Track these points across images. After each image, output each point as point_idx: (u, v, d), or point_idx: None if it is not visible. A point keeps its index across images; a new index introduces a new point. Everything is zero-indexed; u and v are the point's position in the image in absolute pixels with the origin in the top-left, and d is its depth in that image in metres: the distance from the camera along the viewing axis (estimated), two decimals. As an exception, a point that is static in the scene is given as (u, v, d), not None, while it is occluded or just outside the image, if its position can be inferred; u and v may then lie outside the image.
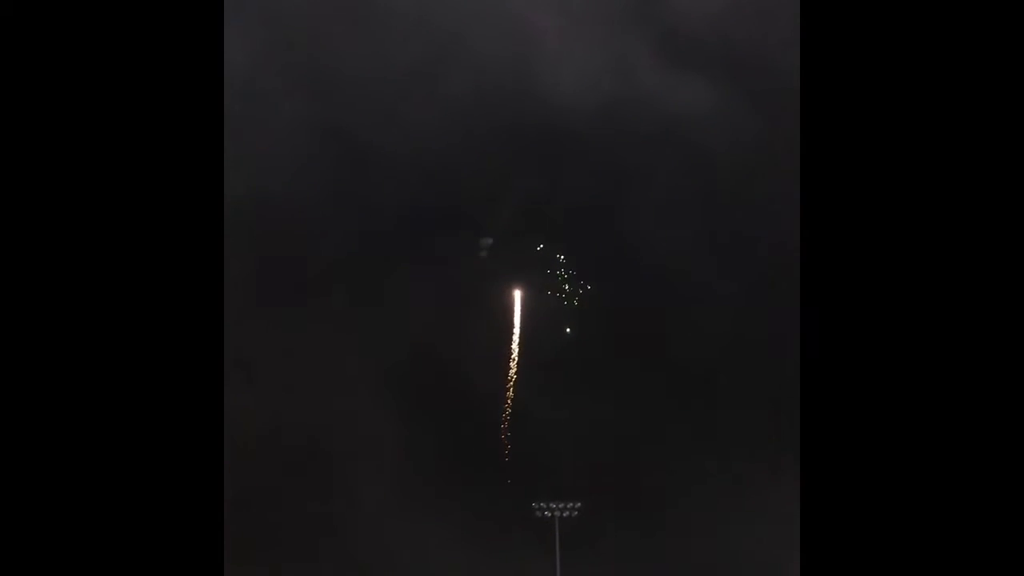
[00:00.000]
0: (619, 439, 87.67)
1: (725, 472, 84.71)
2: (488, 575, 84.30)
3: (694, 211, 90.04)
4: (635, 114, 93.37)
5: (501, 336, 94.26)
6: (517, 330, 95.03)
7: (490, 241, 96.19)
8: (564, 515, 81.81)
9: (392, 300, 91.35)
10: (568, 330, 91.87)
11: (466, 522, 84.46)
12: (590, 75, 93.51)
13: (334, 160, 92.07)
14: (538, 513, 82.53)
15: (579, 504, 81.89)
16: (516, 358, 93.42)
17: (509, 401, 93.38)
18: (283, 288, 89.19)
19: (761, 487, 79.04)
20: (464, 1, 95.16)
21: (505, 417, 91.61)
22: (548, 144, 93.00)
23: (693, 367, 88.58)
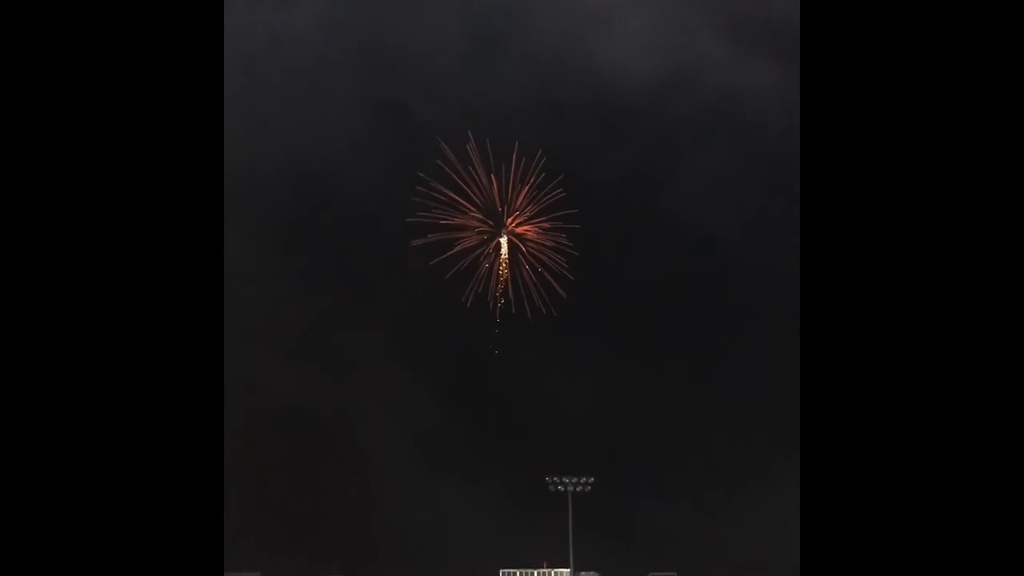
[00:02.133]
0: (632, 415, 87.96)
1: (738, 450, 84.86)
2: (502, 548, 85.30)
3: (743, 186, 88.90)
4: (691, 89, 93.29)
5: (516, 310, 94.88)
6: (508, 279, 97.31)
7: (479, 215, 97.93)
8: (577, 489, 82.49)
9: (412, 275, 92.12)
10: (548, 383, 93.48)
11: (481, 497, 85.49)
12: (647, 50, 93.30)
13: (385, 133, 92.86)
14: (551, 487, 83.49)
15: (592, 479, 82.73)
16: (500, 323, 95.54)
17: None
18: (298, 259, 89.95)
19: (773, 464, 79.04)
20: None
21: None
22: (602, 117, 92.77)
23: (714, 345, 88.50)
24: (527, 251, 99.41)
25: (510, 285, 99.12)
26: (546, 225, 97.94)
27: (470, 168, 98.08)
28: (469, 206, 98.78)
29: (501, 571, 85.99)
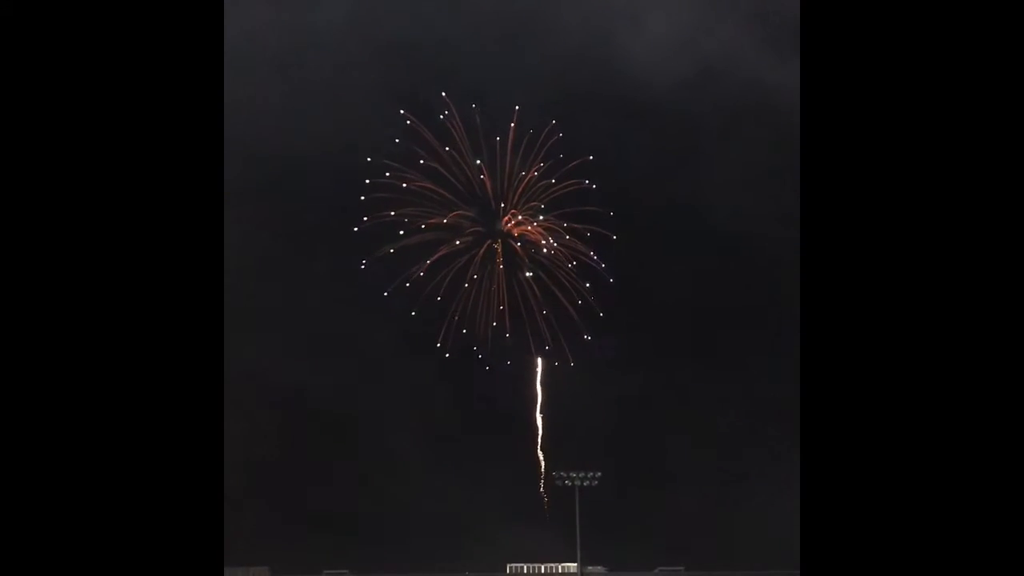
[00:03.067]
0: (640, 409, 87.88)
1: (747, 445, 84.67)
2: (509, 543, 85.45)
3: (769, 185, 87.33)
4: (719, 87, 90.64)
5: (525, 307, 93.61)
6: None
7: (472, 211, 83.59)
8: (584, 484, 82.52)
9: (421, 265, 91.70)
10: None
11: (488, 492, 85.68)
12: (675, 45, 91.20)
13: (407, 128, 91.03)
14: (559, 482, 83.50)
15: (599, 473, 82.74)
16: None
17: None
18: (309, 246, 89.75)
19: (782, 460, 78.71)
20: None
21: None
22: (626, 114, 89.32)
23: (725, 341, 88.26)
24: (526, 256, 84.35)
25: (506, 312, 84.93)
26: (552, 226, 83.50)
27: (448, 149, 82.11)
28: (448, 196, 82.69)
29: (508, 566, 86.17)
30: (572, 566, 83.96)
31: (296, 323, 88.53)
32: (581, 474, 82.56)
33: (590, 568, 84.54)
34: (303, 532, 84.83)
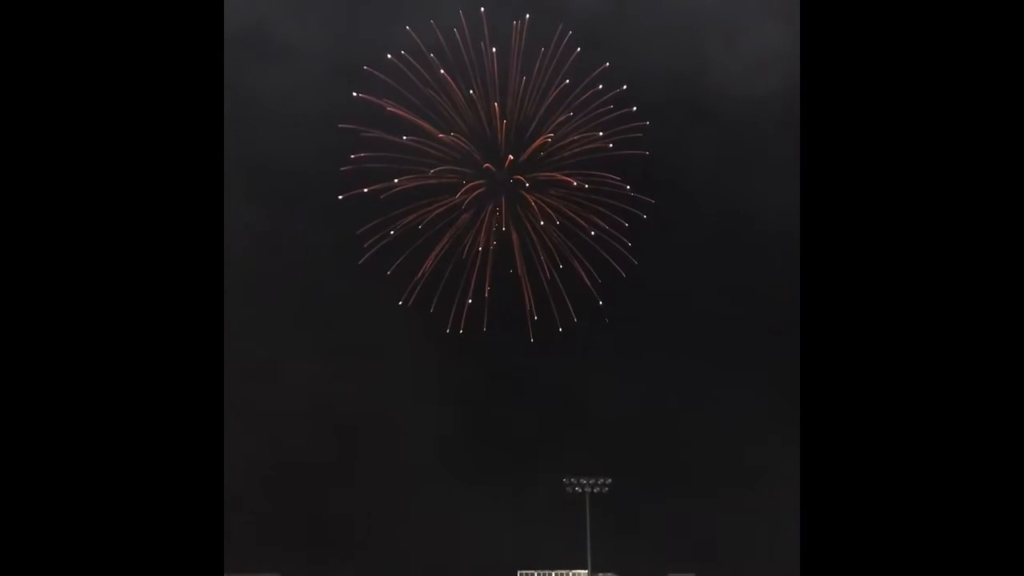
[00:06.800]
0: (650, 415, 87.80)
1: (758, 450, 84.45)
2: (520, 549, 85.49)
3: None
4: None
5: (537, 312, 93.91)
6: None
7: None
8: (595, 490, 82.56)
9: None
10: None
11: (498, 498, 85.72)
12: (758, 61, 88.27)
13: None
14: (569, 489, 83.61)
15: (609, 479, 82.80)
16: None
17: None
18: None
19: (793, 464, 78.34)
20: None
21: None
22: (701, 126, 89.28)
23: (735, 344, 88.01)
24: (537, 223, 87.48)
25: (526, 282, 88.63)
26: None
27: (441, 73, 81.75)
28: (436, 133, 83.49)
29: (519, 572, 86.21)
30: (583, 572, 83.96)
31: (299, 324, 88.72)
32: (591, 480, 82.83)
33: (601, 575, 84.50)
34: (311, 539, 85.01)
